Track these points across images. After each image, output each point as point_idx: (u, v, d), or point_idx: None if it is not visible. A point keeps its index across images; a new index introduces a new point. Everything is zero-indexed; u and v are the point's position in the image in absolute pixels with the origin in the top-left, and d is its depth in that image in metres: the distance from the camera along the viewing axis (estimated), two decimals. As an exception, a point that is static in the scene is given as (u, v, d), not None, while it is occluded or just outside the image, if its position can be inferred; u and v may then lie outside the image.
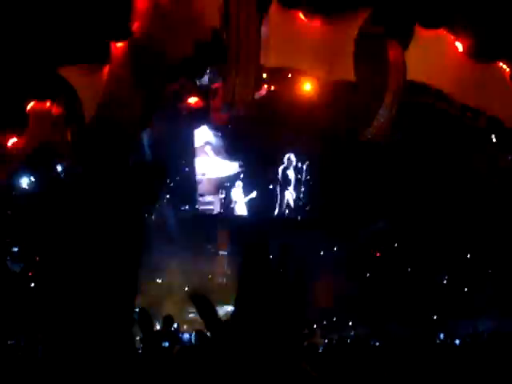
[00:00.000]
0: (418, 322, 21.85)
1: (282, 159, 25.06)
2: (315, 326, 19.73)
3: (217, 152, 24.10)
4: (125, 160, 19.97)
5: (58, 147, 21.00)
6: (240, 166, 24.06)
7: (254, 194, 23.70)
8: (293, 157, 24.82)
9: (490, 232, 22.84)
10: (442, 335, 20.95)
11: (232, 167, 24.12)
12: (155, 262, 22.37)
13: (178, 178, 24.24)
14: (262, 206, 23.80)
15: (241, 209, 23.22)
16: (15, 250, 20.39)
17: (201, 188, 23.69)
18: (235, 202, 23.34)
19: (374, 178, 23.31)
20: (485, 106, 21.29)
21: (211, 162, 23.69)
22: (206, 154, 23.99)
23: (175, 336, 10.37)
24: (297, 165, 24.82)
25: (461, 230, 23.23)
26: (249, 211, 23.25)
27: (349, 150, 23.02)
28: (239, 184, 23.92)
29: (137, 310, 6.52)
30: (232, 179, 24.00)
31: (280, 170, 24.71)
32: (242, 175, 24.00)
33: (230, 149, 24.35)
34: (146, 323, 6.49)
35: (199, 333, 7.19)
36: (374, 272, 25.54)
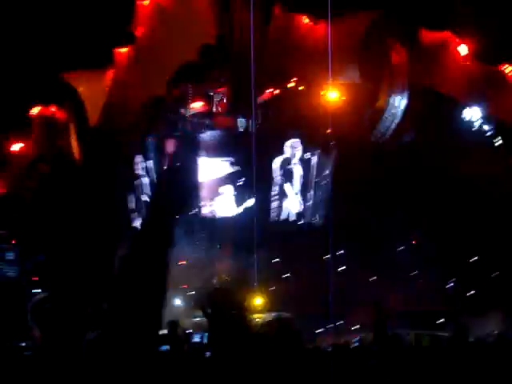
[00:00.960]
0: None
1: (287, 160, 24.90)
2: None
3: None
4: (129, 164, 20.03)
5: (63, 152, 21.06)
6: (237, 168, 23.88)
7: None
8: (297, 159, 24.65)
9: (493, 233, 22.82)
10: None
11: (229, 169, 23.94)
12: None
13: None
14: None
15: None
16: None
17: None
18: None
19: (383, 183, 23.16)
20: (488, 108, 21.29)
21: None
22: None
23: (181, 340, 10.38)
24: (302, 167, 24.65)
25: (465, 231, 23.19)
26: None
27: (357, 153, 22.94)
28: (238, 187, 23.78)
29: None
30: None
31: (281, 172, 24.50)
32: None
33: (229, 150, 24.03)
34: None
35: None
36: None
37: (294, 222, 22.96)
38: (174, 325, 9.53)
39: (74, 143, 20.78)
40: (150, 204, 17.52)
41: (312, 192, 23.54)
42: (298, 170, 23.61)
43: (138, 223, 22.03)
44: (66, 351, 6.79)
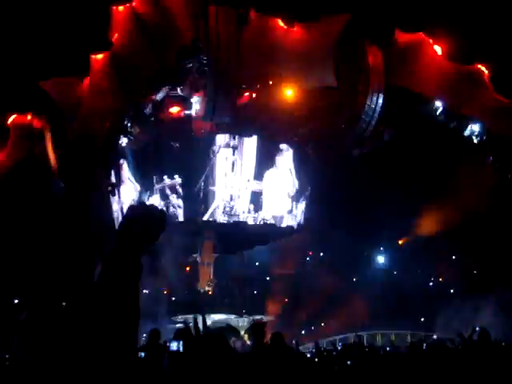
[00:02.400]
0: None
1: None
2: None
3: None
4: (107, 171, 19.95)
5: (40, 160, 20.89)
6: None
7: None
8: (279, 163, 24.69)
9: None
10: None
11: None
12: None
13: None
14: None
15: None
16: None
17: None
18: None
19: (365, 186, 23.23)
20: (463, 107, 21.47)
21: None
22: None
23: (163, 349, 10.28)
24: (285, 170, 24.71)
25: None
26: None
27: (334, 156, 23.03)
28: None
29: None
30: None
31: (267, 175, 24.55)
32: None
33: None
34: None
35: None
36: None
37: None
38: (155, 334, 9.47)
39: (51, 150, 20.64)
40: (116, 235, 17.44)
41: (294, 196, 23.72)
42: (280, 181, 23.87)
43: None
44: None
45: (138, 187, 22.56)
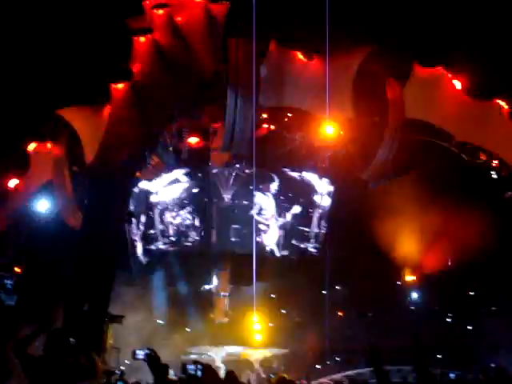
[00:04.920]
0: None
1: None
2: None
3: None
4: (126, 199, 19.98)
5: (58, 187, 21.02)
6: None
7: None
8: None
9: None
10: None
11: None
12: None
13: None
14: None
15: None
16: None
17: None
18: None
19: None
20: (484, 143, 21.35)
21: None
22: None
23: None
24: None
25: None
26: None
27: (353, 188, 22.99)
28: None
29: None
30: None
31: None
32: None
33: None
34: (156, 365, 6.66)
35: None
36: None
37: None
38: (164, 368, 9.32)
39: (68, 179, 20.79)
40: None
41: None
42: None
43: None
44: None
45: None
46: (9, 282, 20.23)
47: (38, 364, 6.72)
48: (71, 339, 7.25)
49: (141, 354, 6.78)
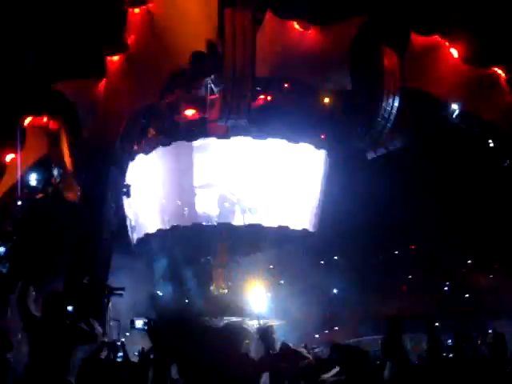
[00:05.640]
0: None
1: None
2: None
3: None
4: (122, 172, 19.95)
5: (56, 161, 20.98)
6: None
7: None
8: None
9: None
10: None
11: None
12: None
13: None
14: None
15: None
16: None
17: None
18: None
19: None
20: (480, 111, 21.35)
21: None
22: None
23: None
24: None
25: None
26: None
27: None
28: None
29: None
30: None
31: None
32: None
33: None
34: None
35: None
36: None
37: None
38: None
39: (66, 153, 20.73)
40: None
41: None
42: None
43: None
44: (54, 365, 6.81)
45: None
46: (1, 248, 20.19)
47: (37, 324, 6.80)
48: (69, 307, 7.33)
49: (140, 323, 6.90)
